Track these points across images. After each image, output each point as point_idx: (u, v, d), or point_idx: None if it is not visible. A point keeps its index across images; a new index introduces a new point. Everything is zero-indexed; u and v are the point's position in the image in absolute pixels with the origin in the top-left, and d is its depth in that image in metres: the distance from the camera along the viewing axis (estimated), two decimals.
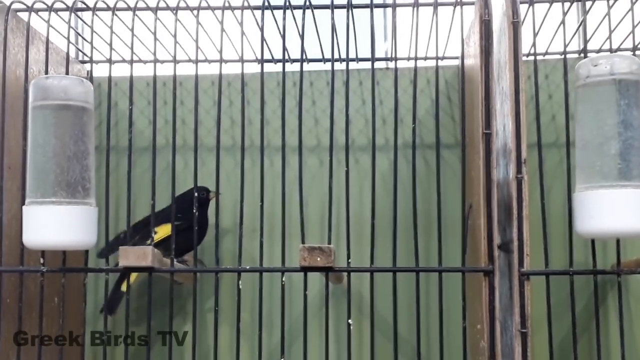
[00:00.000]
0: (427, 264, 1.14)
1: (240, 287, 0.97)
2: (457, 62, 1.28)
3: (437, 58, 1.02)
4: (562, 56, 1.00)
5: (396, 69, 1.03)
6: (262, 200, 0.98)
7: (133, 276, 1.01)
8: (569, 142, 0.95)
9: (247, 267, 0.98)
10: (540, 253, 0.94)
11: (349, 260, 0.97)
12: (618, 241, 0.94)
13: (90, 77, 1.08)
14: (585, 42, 1.18)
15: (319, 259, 0.93)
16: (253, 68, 1.26)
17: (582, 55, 1.21)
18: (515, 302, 0.92)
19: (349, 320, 0.95)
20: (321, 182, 1.25)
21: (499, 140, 1.01)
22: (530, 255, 0.92)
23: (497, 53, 1.01)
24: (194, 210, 0.98)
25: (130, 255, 0.93)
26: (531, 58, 1.03)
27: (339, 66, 1.14)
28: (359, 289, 1.24)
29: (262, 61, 1.04)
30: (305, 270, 0.94)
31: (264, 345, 1.00)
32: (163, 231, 1.09)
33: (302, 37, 1.03)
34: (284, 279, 0.97)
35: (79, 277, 1.03)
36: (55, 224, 0.89)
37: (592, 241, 0.93)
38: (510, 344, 0.94)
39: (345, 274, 1.01)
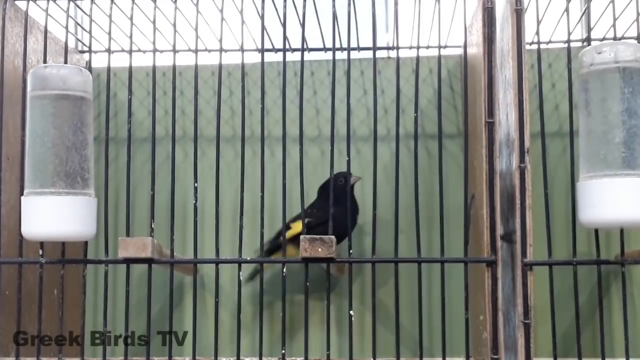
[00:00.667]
0: (430, 255, 1.13)
1: (242, 278, 0.96)
2: (459, 51, 1.26)
3: (439, 47, 1.01)
4: (566, 44, 0.98)
5: (398, 58, 1.02)
6: (262, 191, 0.97)
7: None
8: (572, 131, 0.93)
9: (248, 258, 0.97)
10: (543, 243, 0.93)
11: (351, 251, 0.96)
12: (622, 231, 0.93)
13: (89, 67, 1.07)
14: (589, 30, 1.16)
15: (320, 249, 0.92)
16: (253, 58, 1.25)
17: (585, 43, 1.20)
18: (518, 293, 0.91)
19: (351, 312, 0.95)
20: (322, 173, 1.24)
21: (502, 129, 1.00)
22: (533, 245, 0.91)
23: (500, 41, 1.00)
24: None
25: (130, 247, 0.92)
26: (534, 46, 1.01)
27: (340, 55, 1.13)
28: (361, 280, 1.24)
29: (262, 50, 1.03)
30: (306, 261, 0.94)
31: (265, 337, 0.99)
32: (296, 228, 1.11)
33: (302, 25, 1.02)
34: (284, 270, 0.96)
35: (79, 269, 1.03)
36: (54, 215, 0.88)
37: (596, 231, 0.92)
38: (513, 335, 0.93)
39: (346, 265, 1.00)
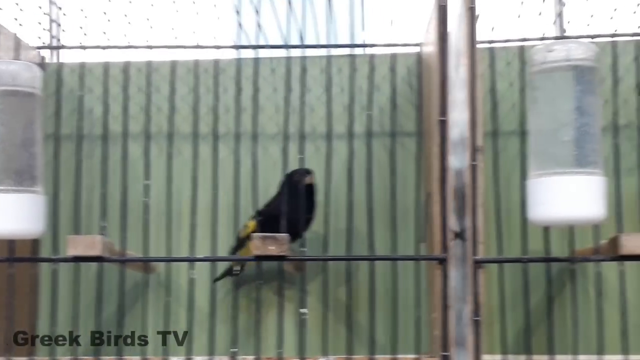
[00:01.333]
0: (389, 252, 1.13)
1: (195, 276, 0.96)
2: (419, 49, 1.26)
3: (393, 45, 1.01)
4: (524, 43, 0.99)
5: (353, 56, 1.02)
6: (215, 189, 0.96)
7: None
8: (524, 129, 0.94)
9: (201, 257, 0.96)
10: (501, 242, 0.93)
11: (305, 249, 0.96)
12: (571, 229, 0.93)
13: (43, 64, 1.06)
14: (562, 29, 1.16)
15: (272, 247, 0.91)
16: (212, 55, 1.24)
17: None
18: (469, 290, 0.91)
19: (302, 310, 0.94)
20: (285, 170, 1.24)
21: (459, 128, 1.00)
22: (489, 243, 0.91)
23: (457, 40, 1.00)
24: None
25: (80, 245, 0.91)
26: (493, 45, 1.02)
27: (306, 53, 1.12)
28: (322, 278, 1.23)
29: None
30: (259, 259, 0.93)
31: (224, 335, 0.99)
32: (251, 226, 1.09)
33: (258, 23, 1.01)
34: (237, 268, 0.96)
35: (31, 268, 1.02)
36: (2, 212, 0.87)
37: (546, 229, 0.92)
38: (465, 333, 0.93)
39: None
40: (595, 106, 0.87)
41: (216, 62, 0.99)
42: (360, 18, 1.18)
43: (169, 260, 0.95)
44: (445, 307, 0.92)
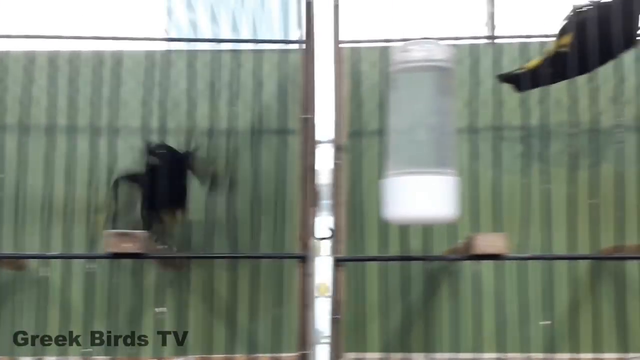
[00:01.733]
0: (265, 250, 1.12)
1: (48, 274, 0.92)
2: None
3: (279, 42, 1.00)
4: (389, 44, 0.99)
5: (218, 52, 1.00)
6: (71, 184, 0.93)
7: None
8: (384, 129, 0.94)
9: (56, 254, 0.93)
10: (363, 240, 0.93)
11: (163, 247, 0.94)
12: (427, 227, 0.94)
13: None
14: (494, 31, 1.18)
15: (128, 244, 0.88)
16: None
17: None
18: (330, 289, 0.91)
19: (158, 309, 0.92)
20: None
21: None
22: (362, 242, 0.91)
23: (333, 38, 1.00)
24: None
25: None
26: (377, 45, 1.02)
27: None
28: (202, 276, 1.21)
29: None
30: (116, 256, 0.90)
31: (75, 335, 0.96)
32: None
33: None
34: (92, 266, 0.92)
35: None
36: None
37: (403, 227, 0.93)
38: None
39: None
40: (451, 107, 0.88)
41: (74, 54, 0.96)
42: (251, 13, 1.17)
43: (18, 256, 0.91)
44: (305, 305, 0.91)
